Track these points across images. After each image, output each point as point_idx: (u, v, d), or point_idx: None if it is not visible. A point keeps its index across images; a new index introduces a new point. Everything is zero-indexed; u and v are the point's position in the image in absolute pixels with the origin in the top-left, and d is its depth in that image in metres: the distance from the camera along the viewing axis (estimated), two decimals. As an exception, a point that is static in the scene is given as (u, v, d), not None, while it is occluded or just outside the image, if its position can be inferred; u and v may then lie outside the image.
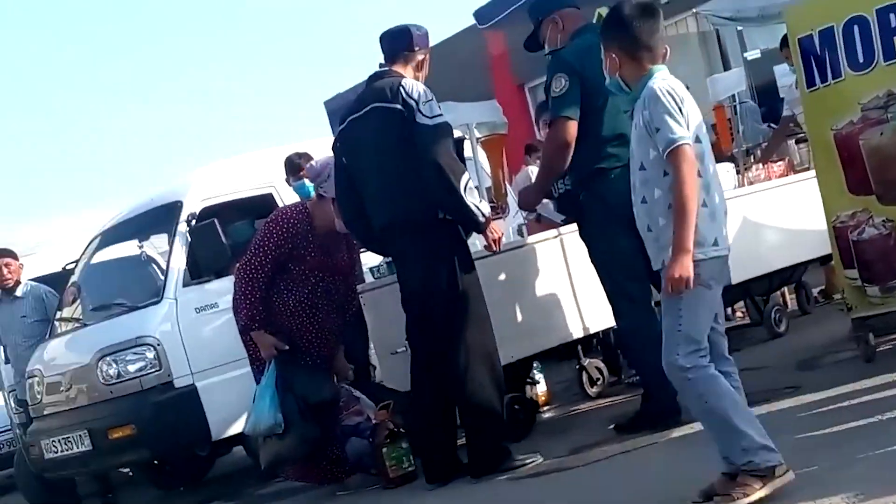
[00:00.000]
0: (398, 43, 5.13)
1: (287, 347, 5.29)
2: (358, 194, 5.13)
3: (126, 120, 39.85)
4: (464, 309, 4.93)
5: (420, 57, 5.15)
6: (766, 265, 6.50)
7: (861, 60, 4.94)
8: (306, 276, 5.39)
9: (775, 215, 6.54)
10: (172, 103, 40.82)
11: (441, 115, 4.93)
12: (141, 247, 7.40)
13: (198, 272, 6.44)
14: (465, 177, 4.85)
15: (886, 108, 4.88)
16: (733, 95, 7.01)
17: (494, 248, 5.15)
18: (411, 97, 4.88)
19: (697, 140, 3.48)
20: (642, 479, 4.01)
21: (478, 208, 4.91)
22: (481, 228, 5.05)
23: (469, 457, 5.00)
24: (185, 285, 6.41)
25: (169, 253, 6.58)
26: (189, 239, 6.43)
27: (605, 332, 6.16)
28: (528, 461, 4.90)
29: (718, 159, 6.97)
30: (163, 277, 6.65)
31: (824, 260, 7.09)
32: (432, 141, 4.86)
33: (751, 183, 6.74)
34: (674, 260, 3.40)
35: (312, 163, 5.57)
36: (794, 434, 4.12)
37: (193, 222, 6.46)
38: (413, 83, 4.97)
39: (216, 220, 6.24)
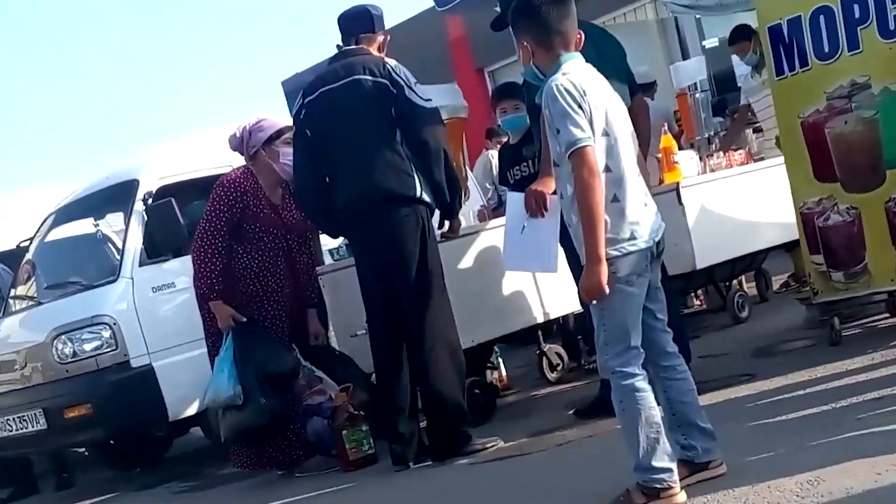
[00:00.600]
0: (359, 24, 5.11)
1: (244, 320, 5.29)
2: (318, 169, 5.09)
3: (82, 96, 39.29)
4: (430, 290, 4.94)
5: (380, 38, 5.15)
6: (729, 251, 6.59)
7: (826, 50, 5.03)
8: (262, 236, 5.40)
9: (737, 203, 6.63)
10: (128, 81, 40.31)
11: (430, 99, 4.99)
12: (96, 225, 7.34)
13: (155, 251, 6.40)
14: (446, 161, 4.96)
15: (850, 97, 4.97)
16: (695, 84, 7.08)
17: (453, 234, 5.27)
18: (399, 76, 4.90)
19: (605, 133, 3.39)
20: (601, 463, 4.05)
21: (455, 194, 5.04)
22: (451, 214, 5.14)
23: (430, 441, 5.02)
24: (141, 264, 6.37)
25: (125, 231, 6.52)
26: (146, 218, 6.38)
27: (565, 317, 6.21)
28: (488, 445, 4.94)
29: (681, 147, 7.09)
30: (119, 256, 6.58)
31: (790, 246, 7.23)
32: (434, 124, 4.95)
33: (712, 170, 6.82)
34: (585, 269, 3.36)
35: (233, 134, 5.55)
36: (750, 421, 4.19)
37: (150, 201, 6.40)
38: (397, 64, 4.99)
39: (173, 200, 6.19)
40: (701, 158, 6.99)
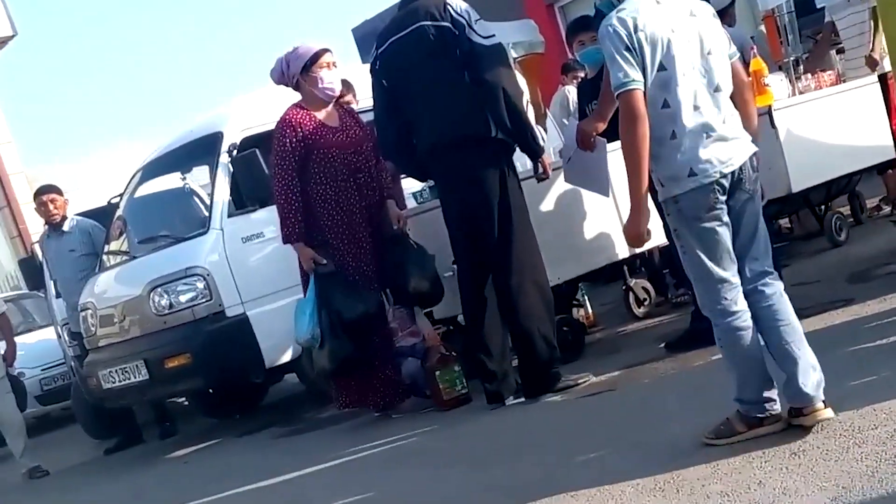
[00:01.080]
0: None
1: (325, 262, 5.36)
2: (398, 117, 5.14)
3: (164, 52, 39.66)
4: (515, 228, 4.96)
5: None
6: (824, 174, 6.50)
7: None
8: (331, 163, 5.42)
9: (829, 124, 6.51)
10: (206, 37, 40.59)
11: (494, 35, 4.91)
12: (184, 179, 7.45)
13: (242, 202, 6.46)
14: (524, 99, 4.91)
15: None
16: (780, 5, 6.92)
17: (546, 175, 5.19)
18: (461, 15, 4.89)
19: (662, 68, 3.27)
20: (695, 395, 4.04)
21: (537, 132, 4.99)
22: (539, 153, 5.08)
23: (522, 378, 5.06)
24: (230, 216, 6.43)
25: (212, 184, 6.59)
26: (231, 169, 6.44)
27: (650, 251, 6.17)
28: (580, 381, 4.96)
29: (770, 69, 6.95)
30: (207, 209, 6.68)
31: (882, 168, 7.09)
32: (493, 62, 4.89)
33: (801, 93, 6.71)
34: (629, 215, 3.34)
35: (275, 65, 5.54)
36: (849, 346, 4.14)
37: (235, 153, 6.46)
38: (459, 2, 4.95)
39: (257, 150, 6.24)
40: (790, 80, 6.87)
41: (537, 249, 5.07)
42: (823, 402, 3.27)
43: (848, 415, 3.32)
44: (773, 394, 3.39)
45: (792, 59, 6.94)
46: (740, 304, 3.36)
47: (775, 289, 3.38)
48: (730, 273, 3.36)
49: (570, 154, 5.12)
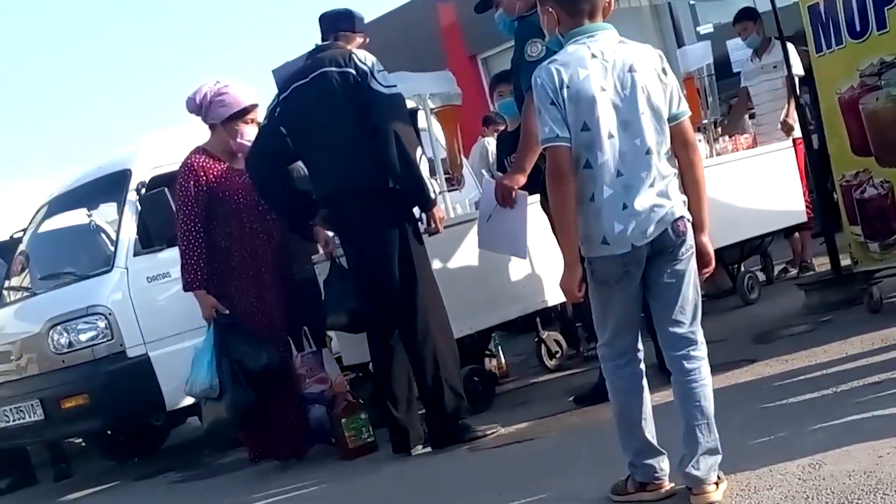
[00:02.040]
0: (340, 23, 5.14)
1: (227, 312, 5.27)
2: (283, 165, 5.15)
3: (73, 88, 39.11)
4: (417, 280, 4.92)
5: (359, 39, 5.17)
6: (738, 234, 6.66)
7: (858, 29, 5.19)
8: (233, 207, 5.34)
9: (745, 186, 6.70)
10: (120, 72, 40.15)
11: (395, 85, 4.92)
12: (90, 215, 7.29)
13: (148, 241, 6.38)
14: (418, 150, 4.86)
15: (880, 75, 5.14)
16: (701, 67, 7.11)
17: (436, 230, 5.10)
18: (364, 63, 4.89)
19: (586, 128, 3.16)
20: (601, 449, 4.03)
21: (430, 183, 4.95)
22: (429, 206, 5.02)
23: (429, 429, 5.00)
24: (135, 254, 6.35)
25: (119, 222, 6.49)
26: (139, 207, 6.36)
27: (563, 304, 6.19)
28: (488, 432, 4.92)
29: None
30: (113, 246, 6.56)
31: (788, 232, 7.29)
32: (389, 110, 4.85)
33: (718, 154, 6.89)
34: (563, 273, 3.30)
35: (189, 97, 5.44)
36: (751, 405, 4.18)
37: (143, 191, 6.38)
38: (365, 53, 4.97)
39: (166, 189, 6.15)
40: (708, 142, 7.03)
41: (440, 300, 5.04)
42: (717, 481, 3.23)
43: (745, 475, 3.34)
44: (658, 462, 3.36)
45: (711, 120, 7.12)
46: (621, 368, 3.35)
47: (697, 363, 3.27)
48: (611, 338, 3.35)
49: (488, 214, 5.06)
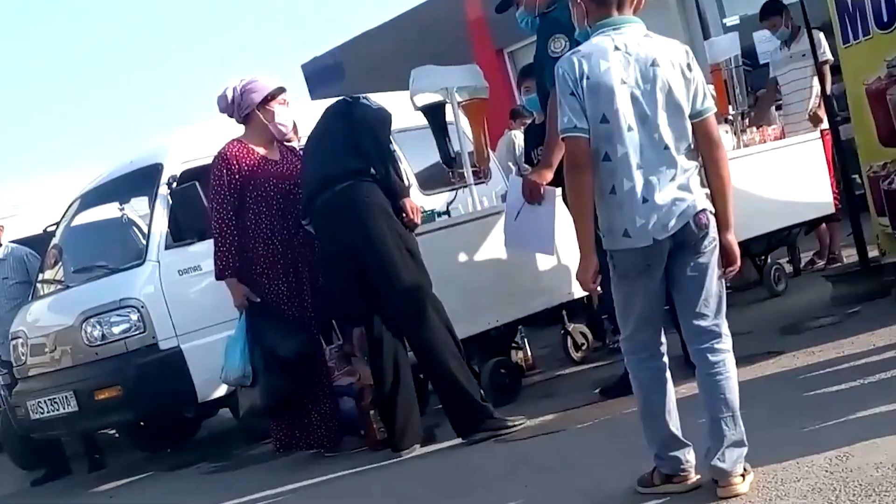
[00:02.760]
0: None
1: (258, 300, 5.32)
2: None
3: (106, 82, 39.39)
4: (408, 266, 4.96)
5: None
6: (764, 226, 6.66)
7: (885, 19, 5.17)
8: (267, 194, 5.38)
9: (771, 177, 6.70)
10: (150, 67, 40.40)
11: (382, 106, 5.20)
12: (122, 209, 7.37)
13: (180, 234, 6.40)
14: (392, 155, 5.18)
15: None
16: (729, 59, 7.11)
17: (412, 221, 5.10)
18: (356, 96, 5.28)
19: (605, 120, 3.18)
20: (626, 442, 4.05)
21: (399, 178, 5.14)
22: (400, 193, 5.09)
23: (451, 419, 5.02)
24: (167, 248, 6.37)
25: (150, 215, 6.52)
26: (170, 201, 6.39)
27: (589, 297, 6.20)
28: (515, 424, 4.95)
29: (717, 122, 7.14)
30: (145, 240, 6.59)
31: (815, 224, 7.26)
32: (372, 115, 5.13)
33: (746, 145, 6.88)
34: (579, 263, 3.33)
35: (219, 96, 5.54)
36: (778, 398, 4.19)
37: (174, 185, 6.42)
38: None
39: (197, 183, 6.20)
40: (735, 133, 7.02)
41: (430, 286, 5.03)
42: (743, 473, 3.25)
43: (772, 467, 3.36)
44: (683, 454, 3.38)
45: (738, 112, 7.11)
46: (644, 361, 3.38)
47: (721, 356, 3.29)
48: (633, 332, 3.37)
49: (516, 212, 5.06)
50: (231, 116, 5.57)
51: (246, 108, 5.48)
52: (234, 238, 5.33)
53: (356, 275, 5.02)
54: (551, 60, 4.83)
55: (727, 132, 7.06)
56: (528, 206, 4.93)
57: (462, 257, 5.59)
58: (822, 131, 7.22)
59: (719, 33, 11.60)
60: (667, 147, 3.22)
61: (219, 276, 5.40)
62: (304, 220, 5.27)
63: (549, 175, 4.89)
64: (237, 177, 5.36)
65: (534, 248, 5.29)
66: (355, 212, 4.98)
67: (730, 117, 7.14)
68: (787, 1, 7.99)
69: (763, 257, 7.09)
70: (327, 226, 5.11)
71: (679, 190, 3.23)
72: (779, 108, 8.08)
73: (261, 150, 5.47)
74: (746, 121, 7.33)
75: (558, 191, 5.14)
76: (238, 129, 5.61)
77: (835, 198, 7.20)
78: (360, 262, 4.98)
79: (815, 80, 7.27)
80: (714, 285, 3.31)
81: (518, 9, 5.25)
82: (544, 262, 5.79)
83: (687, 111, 3.25)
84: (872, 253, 5.92)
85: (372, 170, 5.03)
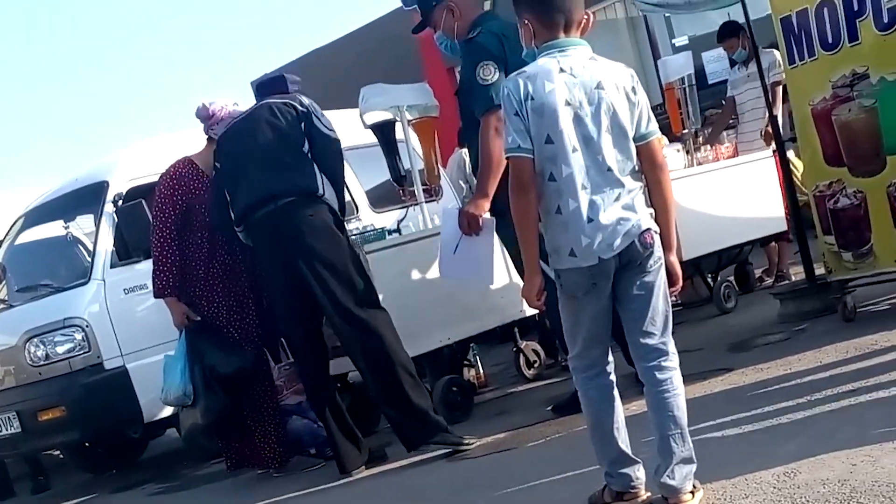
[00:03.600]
0: (271, 89, 5.31)
1: (198, 318, 5.30)
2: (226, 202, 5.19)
3: (47, 100, 38.92)
4: (353, 285, 4.93)
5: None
6: (714, 243, 6.74)
7: (830, 41, 5.26)
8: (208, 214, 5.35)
9: (723, 195, 6.78)
10: (98, 82, 39.98)
11: (334, 130, 5.13)
12: (67, 227, 7.27)
13: (126, 253, 6.35)
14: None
15: (852, 86, 5.21)
16: (682, 78, 7.20)
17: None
18: (304, 105, 5.10)
19: (549, 141, 3.20)
20: (578, 459, 4.04)
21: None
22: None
23: (399, 433, 4.97)
24: (112, 266, 6.32)
25: (96, 233, 6.46)
26: (116, 219, 6.33)
27: (541, 314, 6.21)
28: (471, 442, 4.89)
29: (670, 140, 7.24)
30: (90, 258, 6.52)
31: (765, 242, 7.35)
32: (331, 150, 5.10)
33: (700, 164, 6.95)
34: (524, 281, 3.37)
35: (204, 103, 5.49)
36: (726, 414, 4.20)
37: (120, 202, 6.36)
38: (307, 97, 5.17)
39: (143, 201, 6.14)
40: (688, 152, 7.10)
41: (380, 304, 5.02)
42: (692, 490, 3.25)
43: (721, 483, 3.37)
44: (633, 471, 3.38)
45: (691, 130, 7.19)
46: (592, 379, 3.38)
47: (668, 374, 3.29)
48: (581, 350, 3.37)
49: (454, 244, 4.94)
50: (203, 125, 5.52)
51: (215, 132, 5.44)
52: (175, 257, 5.30)
53: (295, 291, 4.96)
54: (480, 87, 4.88)
55: (678, 151, 7.13)
56: (466, 237, 4.87)
57: (413, 275, 5.57)
58: (773, 150, 7.33)
59: (668, 53, 11.75)
60: (610, 169, 3.24)
61: (156, 295, 5.37)
62: (238, 227, 5.18)
63: (486, 205, 4.85)
64: (182, 197, 5.33)
65: (473, 276, 5.17)
66: (299, 229, 4.92)
67: (683, 135, 7.22)
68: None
69: (714, 275, 7.15)
70: (268, 240, 5.03)
71: (624, 210, 3.25)
72: (732, 127, 8.18)
73: (209, 171, 5.41)
74: (700, 139, 7.41)
75: (492, 220, 5.02)
76: (186, 149, 5.56)
77: (786, 215, 7.30)
78: (301, 278, 4.92)
79: (779, 102, 7.39)
80: (661, 303, 3.32)
81: (436, 31, 5.28)
82: (496, 280, 5.78)
83: (631, 134, 3.28)
84: (819, 271, 6.00)
85: (320, 191, 4.97)
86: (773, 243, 7.58)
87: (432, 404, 5.07)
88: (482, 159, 4.84)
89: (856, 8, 5.11)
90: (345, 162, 5.23)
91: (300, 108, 5.07)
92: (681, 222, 6.17)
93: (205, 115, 5.47)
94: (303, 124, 5.04)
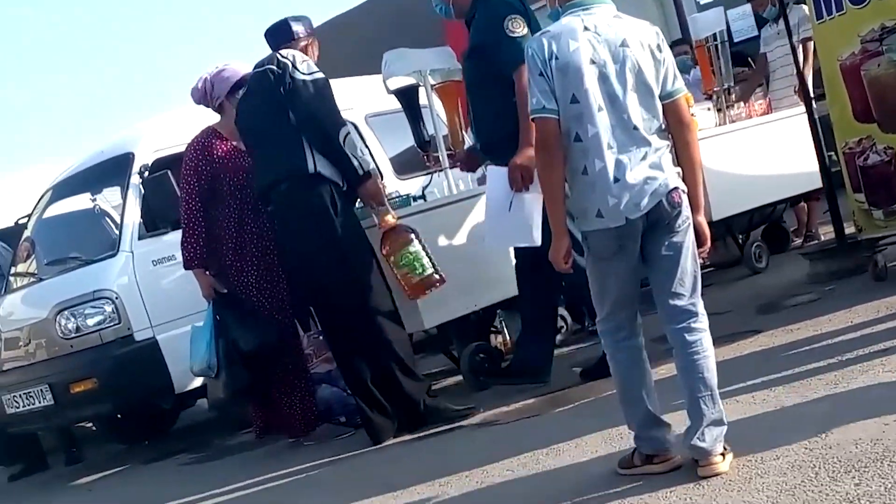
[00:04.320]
0: (278, 37, 5.15)
1: (225, 291, 5.30)
2: None
3: (73, 74, 39.06)
4: (351, 266, 4.89)
5: (303, 44, 5.15)
6: (746, 203, 6.67)
7: None
8: (237, 185, 5.34)
9: (755, 154, 6.70)
10: (120, 57, 40.06)
11: (317, 71, 4.92)
12: (94, 200, 7.29)
13: (153, 224, 6.34)
14: (343, 129, 4.86)
15: (881, 40, 5.12)
16: (714, 34, 7.11)
17: (372, 206, 5.03)
18: (286, 58, 4.93)
19: (575, 101, 3.19)
20: (608, 423, 4.04)
21: (357, 159, 4.87)
22: (356, 182, 4.93)
23: (396, 416, 5.00)
24: (140, 238, 6.31)
25: (123, 206, 6.46)
26: (142, 191, 6.33)
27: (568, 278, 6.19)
28: (464, 412, 4.94)
29: (699, 99, 7.15)
30: (118, 230, 6.53)
31: (794, 202, 7.26)
32: (308, 93, 4.88)
33: (733, 121, 6.87)
34: (551, 242, 3.34)
35: (197, 84, 5.47)
36: (756, 376, 4.18)
37: (146, 174, 6.36)
38: (290, 51, 4.99)
39: (169, 172, 6.12)
40: (720, 110, 7.01)
41: (383, 289, 4.98)
42: (723, 452, 3.24)
43: (752, 446, 3.34)
44: (662, 433, 3.37)
45: (723, 88, 7.11)
46: (620, 342, 3.37)
47: (697, 335, 3.27)
48: (609, 313, 3.37)
49: (508, 202, 4.73)
50: (208, 107, 5.51)
51: (217, 97, 5.42)
52: (202, 228, 5.31)
53: (296, 274, 5.06)
54: (510, 40, 4.75)
55: (709, 109, 7.05)
56: (517, 196, 4.71)
57: (439, 242, 5.54)
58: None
59: (693, 11, 11.58)
60: (636, 127, 3.22)
61: (186, 266, 5.39)
62: (265, 206, 5.23)
63: (533, 154, 4.78)
64: (207, 167, 5.32)
65: (520, 241, 4.93)
66: (291, 216, 4.95)
67: (714, 93, 7.14)
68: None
69: (745, 235, 7.09)
70: (276, 223, 5.14)
71: (651, 169, 3.23)
72: (760, 84, 8.08)
73: (233, 140, 5.40)
74: (732, 96, 7.33)
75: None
76: (210, 119, 5.55)
77: None
78: (295, 267, 5.04)
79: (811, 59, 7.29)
80: (689, 264, 3.30)
81: None
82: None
83: (657, 92, 3.27)
84: (850, 230, 5.93)
85: (311, 167, 4.88)
86: (802, 203, 7.49)
87: (424, 386, 5.06)
88: (520, 111, 4.68)
89: None
90: (331, 99, 4.96)
91: (277, 70, 4.91)
92: (711, 182, 6.23)
93: (200, 95, 5.47)
94: (282, 88, 4.89)
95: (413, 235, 5.01)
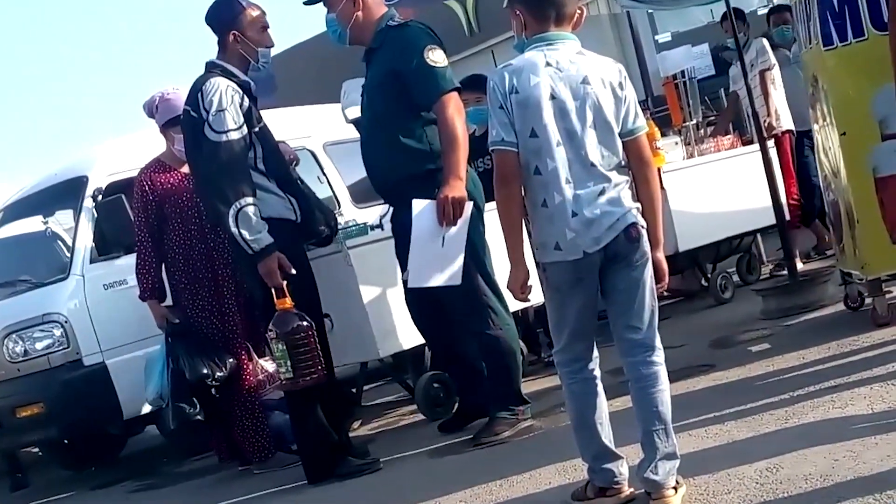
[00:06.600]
0: (217, 24, 4.84)
1: (177, 321, 5.31)
2: None
3: (30, 96, 38.70)
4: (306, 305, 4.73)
5: (229, 40, 4.78)
6: (710, 235, 6.80)
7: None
8: (184, 211, 5.36)
9: (722, 186, 6.84)
10: (75, 78, 39.78)
11: (230, 129, 4.60)
12: (46, 223, 7.22)
13: (105, 248, 6.29)
14: (238, 203, 4.52)
15: None
16: (681, 71, 7.24)
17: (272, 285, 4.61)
18: (204, 107, 4.61)
19: (534, 135, 3.21)
20: (563, 455, 4.03)
21: (244, 240, 4.55)
22: (255, 259, 4.59)
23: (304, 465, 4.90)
24: (92, 262, 6.25)
25: (75, 229, 6.40)
26: (95, 214, 6.28)
27: (525, 310, 6.20)
28: (365, 468, 4.81)
29: (667, 133, 7.29)
30: (69, 254, 6.48)
31: (808, 221, 7.48)
32: (210, 158, 4.62)
33: (701, 154, 7.00)
34: (509, 273, 3.36)
35: (147, 99, 5.48)
36: (708, 411, 4.20)
37: (100, 197, 6.30)
38: (213, 87, 4.64)
39: (123, 196, 6.08)
40: (688, 143, 7.13)
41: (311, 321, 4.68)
42: (675, 486, 3.24)
43: (703, 479, 3.37)
44: (616, 466, 3.36)
45: (692, 123, 7.21)
46: (576, 374, 3.37)
47: (653, 369, 3.28)
48: (566, 344, 3.36)
49: (432, 241, 4.44)
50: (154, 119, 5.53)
51: (159, 122, 5.46)
52: (152, 260, 5.37)
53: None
54: (431, 70, 4.58)
55: (676, 143, 7.17)
56: (446, 230, 4.43)
57: (396, 271, 5.52)
58: (782, 133, 7.38)
59: (651, 50, 11.81)
60: (594, 164, 3.24)
61: (141, 298, 5.45)
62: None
63: (464, 188, 4.54)
64: (154, 199, 5.38)
65: (445, 280, 4.50)
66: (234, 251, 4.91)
67: (683, 128, 7.26)
68: (719, 18, 8.12)
69: (712, 265, 7.18)
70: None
71: (609, 204, 3.25)
72: (711, 124, 8.21)
73: (181, 169, 5.40)
74: (701, 132, 7.43)
75: (470, 204, 4.63)
76: (164, 143, 5.54)
77: (795, 201, 7.34)
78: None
79: (772, 89, 7.40)
80: (647, 299, 3.31)
81: (329, 13, 4.89)
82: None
83: (616, 129, 3.29)
84: (801, 266, 6.00)
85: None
86: (816, 221, 7.55)
87: (332, 436, 4.83)
88: (449, 141, 4.52)
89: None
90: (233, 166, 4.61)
91: (194, 115, 4.66)
92: (678, 213, 6.34)
93: (148, 111, 5.53)
94: (195, 137, 4.70)
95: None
